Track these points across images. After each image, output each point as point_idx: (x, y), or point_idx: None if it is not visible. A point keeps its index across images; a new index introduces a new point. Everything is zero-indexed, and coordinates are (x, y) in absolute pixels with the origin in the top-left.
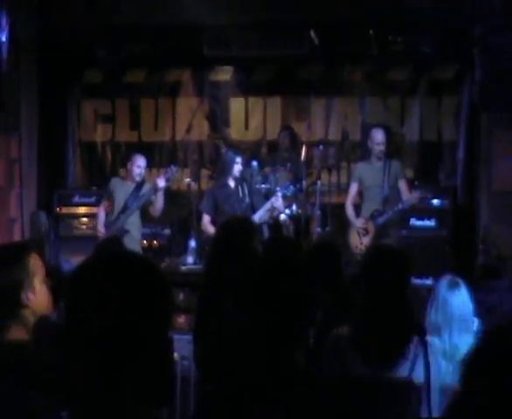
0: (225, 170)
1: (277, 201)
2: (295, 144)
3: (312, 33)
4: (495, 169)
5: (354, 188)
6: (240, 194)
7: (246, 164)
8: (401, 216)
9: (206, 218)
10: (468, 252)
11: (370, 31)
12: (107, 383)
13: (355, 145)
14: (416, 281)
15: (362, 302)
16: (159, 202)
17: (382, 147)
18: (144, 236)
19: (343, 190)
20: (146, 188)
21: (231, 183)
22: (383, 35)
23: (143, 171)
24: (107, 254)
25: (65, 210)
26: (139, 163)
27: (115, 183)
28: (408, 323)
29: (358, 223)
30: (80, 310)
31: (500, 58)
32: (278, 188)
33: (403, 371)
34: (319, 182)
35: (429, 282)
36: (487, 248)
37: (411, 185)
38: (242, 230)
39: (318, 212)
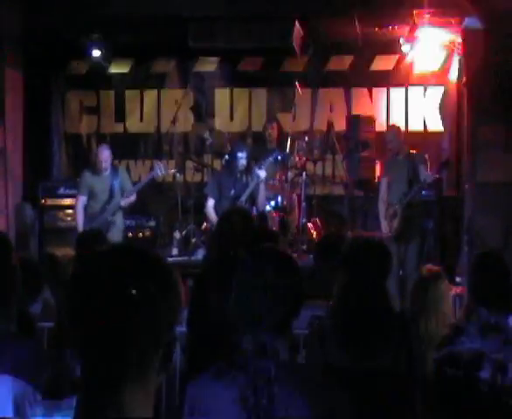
0: (230, 160)
1: (262, 173)
2: (281, 136)
3: (297, 24)
4: (480, 161)
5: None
6: (244, 182)
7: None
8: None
9: (211, 202)
10: (453, 243)
11: (355, 23)
12: (111, 380)
13: (340, 136)
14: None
15: (343, 291)
16: (133, 197)
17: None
18: (129, 228)
19: (328, 181)
20: (124, 177)
21: (237, 172)
22: (368, 26)
23: (109, 163)
24: (115, 248)
25: (50, 202)
26: (102, 157)
27: (89, 176)
28: (390, 312)
29: (385, 223)
30: (89, 306)
31: (485, 50)
32: (260, 165)
33: (386, 361)
34: (304, 174)
35: None
36: (471, 239)
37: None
38: (240, 223)
39: (303, 204)
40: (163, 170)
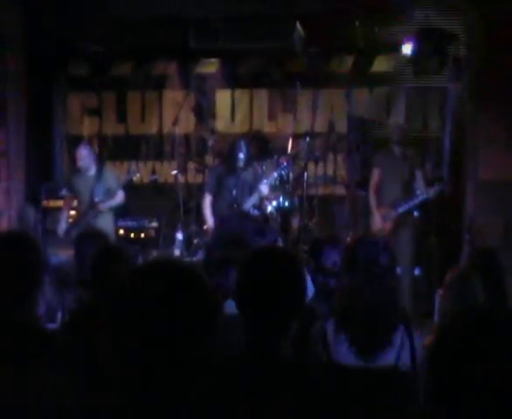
0: (229, 158)
1: (265, 189)
2: (266, 149)
3: (298, 25)
4: (481, 159)
5: (376, 174)
6: (243, 179)
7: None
8: (419, 205)
9: (208, 199)
10: (454, 243)
11: (356, 23)
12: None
13: (341, 136)
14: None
15: (347, 290)
16: (119, 196)
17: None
18: (131, 229)
19: (330, 182)
20: (109, 177)
21: (238, 169)
22: (368, 27)
23: (86, 162)
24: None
25: (52, 203)
26: (77, 155)
27: (74, 175)
28: (394, 311)
29: (378, 217)
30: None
31: (486, 50)
32: (264, 180)
33: (389, 359)
34: (305, 174)
35: (415, 272)
36: (472, 238)
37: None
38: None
39: (305, 204)
40: (135, 174)
